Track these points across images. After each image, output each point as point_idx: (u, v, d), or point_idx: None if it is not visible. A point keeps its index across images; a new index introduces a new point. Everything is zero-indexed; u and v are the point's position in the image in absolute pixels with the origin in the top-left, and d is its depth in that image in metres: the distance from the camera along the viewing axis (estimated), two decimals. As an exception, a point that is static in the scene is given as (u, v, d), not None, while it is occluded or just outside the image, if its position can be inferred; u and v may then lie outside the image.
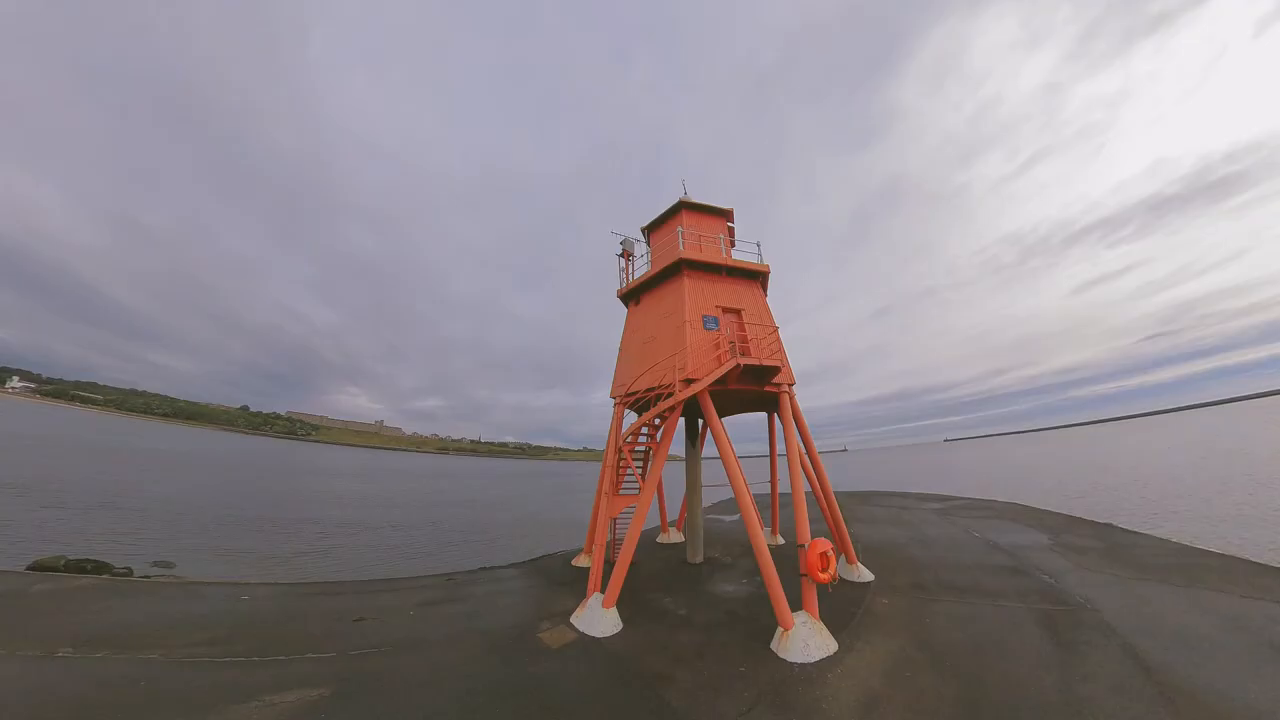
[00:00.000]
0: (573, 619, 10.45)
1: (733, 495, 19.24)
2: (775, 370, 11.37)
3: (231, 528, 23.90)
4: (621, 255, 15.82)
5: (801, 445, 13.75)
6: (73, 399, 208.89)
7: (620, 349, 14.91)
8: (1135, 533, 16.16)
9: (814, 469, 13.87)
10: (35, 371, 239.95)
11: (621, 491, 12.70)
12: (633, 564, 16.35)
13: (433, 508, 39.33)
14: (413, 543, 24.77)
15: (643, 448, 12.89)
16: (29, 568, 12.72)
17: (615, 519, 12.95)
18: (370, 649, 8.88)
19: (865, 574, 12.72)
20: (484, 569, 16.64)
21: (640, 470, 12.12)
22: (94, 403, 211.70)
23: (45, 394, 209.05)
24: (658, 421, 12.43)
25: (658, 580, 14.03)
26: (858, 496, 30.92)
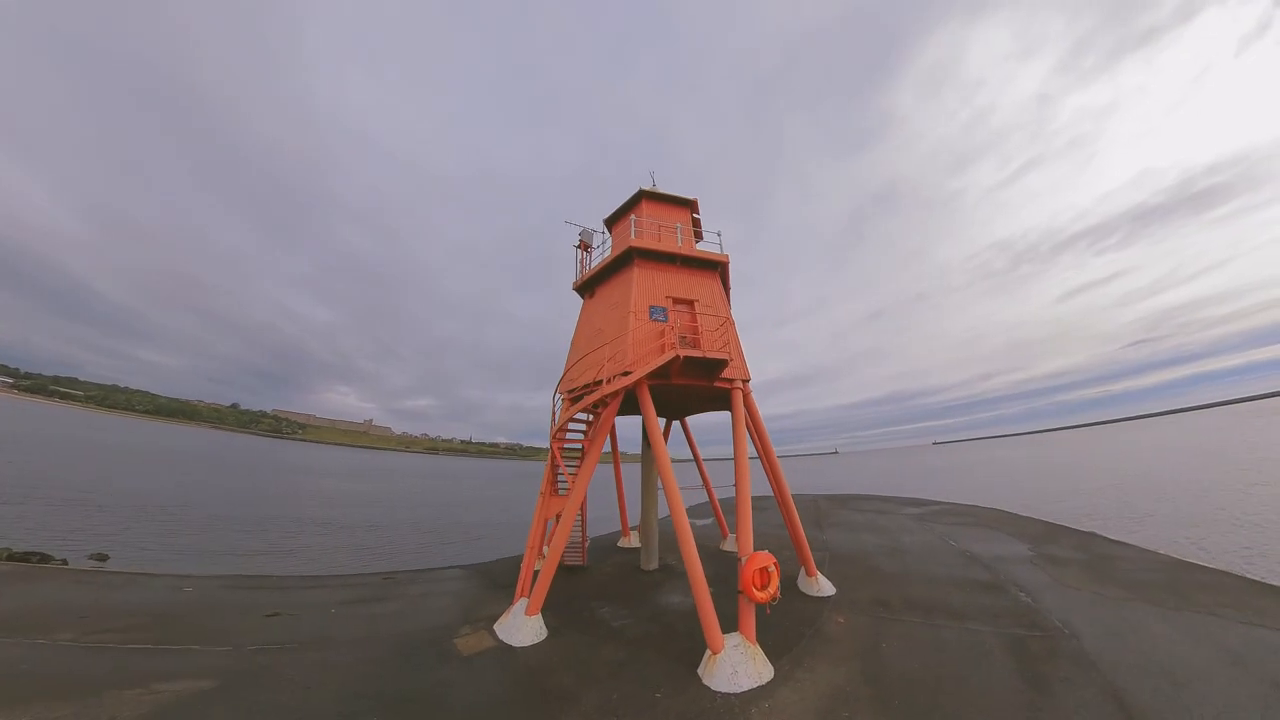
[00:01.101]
0: (496, 625, 9.57)
1: (712, 499, 18.25)
2: (722, 364, 10.06)
3: (194, 524, 22.70)
4: (579, 246, 14.54)
5: (754, 447, 12.46)
6: (51, 395, 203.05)
7: (571, 343, 13.63)
8: (1120, 543, 14.74)
9: (771, 472, 12.59)
10: (14, 366, 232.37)
11: (560, 492, 11.47)
12: (583, 569, 15.22)
13: (417, 508, 37.91)
14: (384, 543, 23.51)
15: (576, 445, 11.60)
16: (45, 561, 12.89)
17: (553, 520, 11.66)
18: (274, 645, 8.47)
19: (826, 587, 11.37)
20: (428, 569, 15.71)
21: (573, 469, 10.83)
22: (74, 399, 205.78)
23: (23, 389, 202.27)
24: (592, 418, 11.18)
25: (603, 587, 12.79)
26: (837, 500, 29.78)
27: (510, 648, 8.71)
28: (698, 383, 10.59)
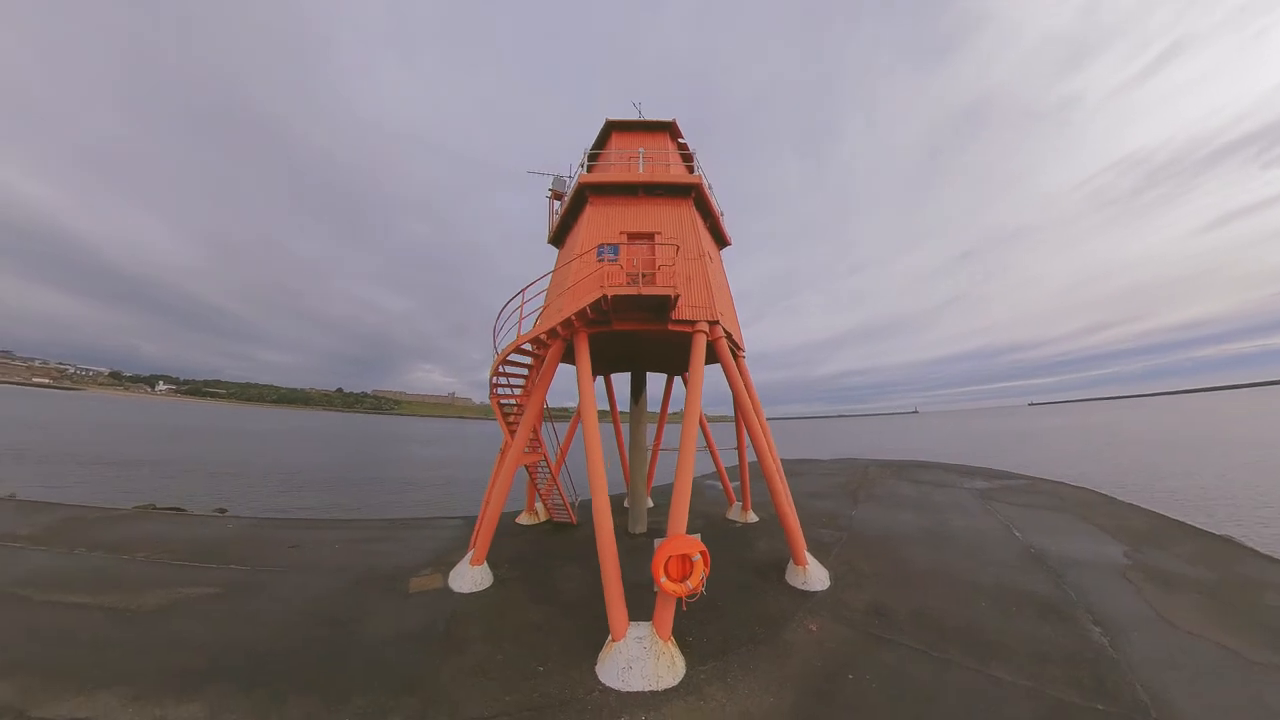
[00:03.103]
0: (452, 571, 9.41)
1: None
2: (664, 300, 7.42)
3: (299, 484, 26.89)
4: (551, 196, 12.15)
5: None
6: (204, 395, 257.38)
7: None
8: (1276, 560, 9.73)
9: (759, 433, 10.00)
10: (175, 375, 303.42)
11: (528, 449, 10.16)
12: (573, 527, 14.06)
13: (486, 466, 39.90)
14: (444, 497, 25.22)
15: (511, 401, 9.88)
16: (134, 508, 15.62)
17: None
18: (276, 568, 9.72)
19: (817, 579, 8.81)
20: (436, 518, 15.75)
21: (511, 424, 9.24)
22: (220, 396, 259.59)
23: (184, 393, 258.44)
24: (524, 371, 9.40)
25: (578, 547, 11.52)
26: (891, 467, 25.26)
27: (451, 592, 8.69)
28: (649, 327, 8.12)
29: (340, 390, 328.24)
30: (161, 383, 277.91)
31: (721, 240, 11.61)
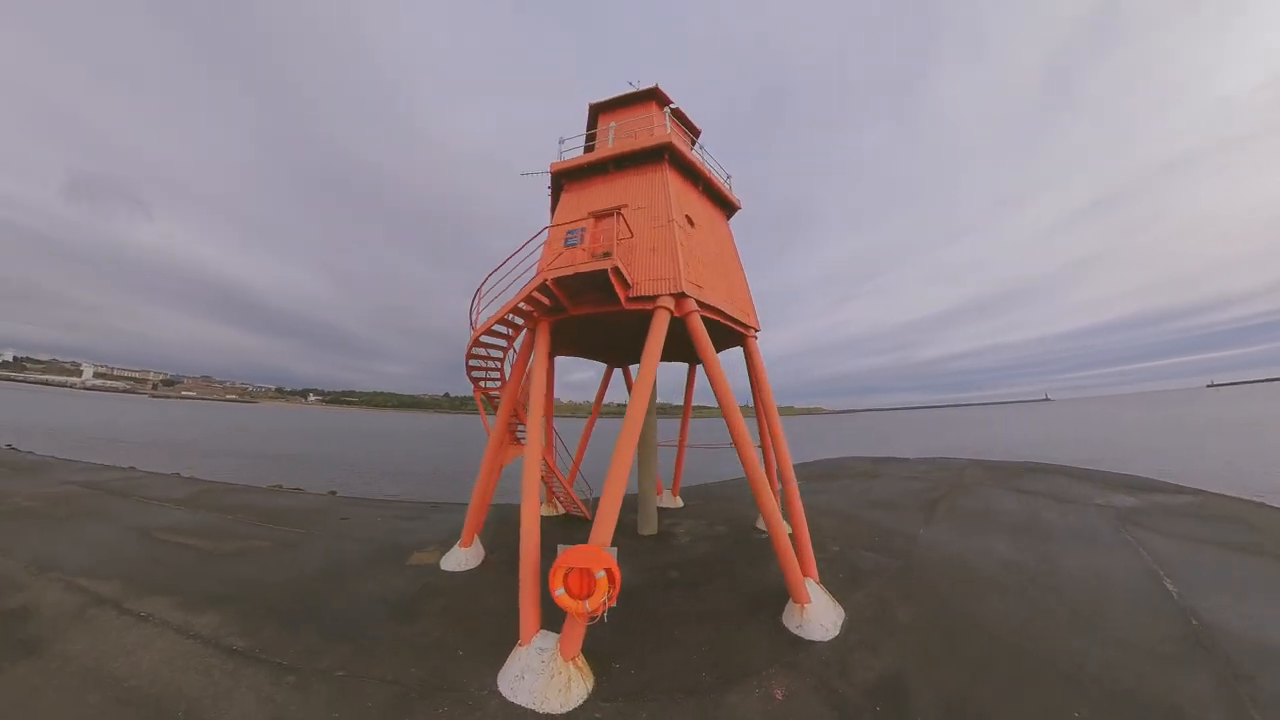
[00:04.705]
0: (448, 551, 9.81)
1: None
2: (600, 276, 6.19)
3: (402, 473, 30.75)
4: (550, 191, 11.62)
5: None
6: (342, 403, 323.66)
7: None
8: None
9: (742, 429, 8.29)
10: (320, 388, 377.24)
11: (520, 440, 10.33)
12: (586, 522, 13.28)
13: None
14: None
15: (494, 394, 9.42)
16: (268, 486, 18.69)
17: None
18: (321, 534, 11.23)
19: (819, 625, 6.37)
20: (467, 504, 16.63)
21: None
22: (354, 404, 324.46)
23: (327, 402, 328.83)
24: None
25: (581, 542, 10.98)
26: (998, 471, 19.86)
27: (438, 569, 9.09)
28: (604, 309, 6.99)
29: (447, 394, 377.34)
30: (311, 394, 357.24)
31: (726, 204, 9.92)
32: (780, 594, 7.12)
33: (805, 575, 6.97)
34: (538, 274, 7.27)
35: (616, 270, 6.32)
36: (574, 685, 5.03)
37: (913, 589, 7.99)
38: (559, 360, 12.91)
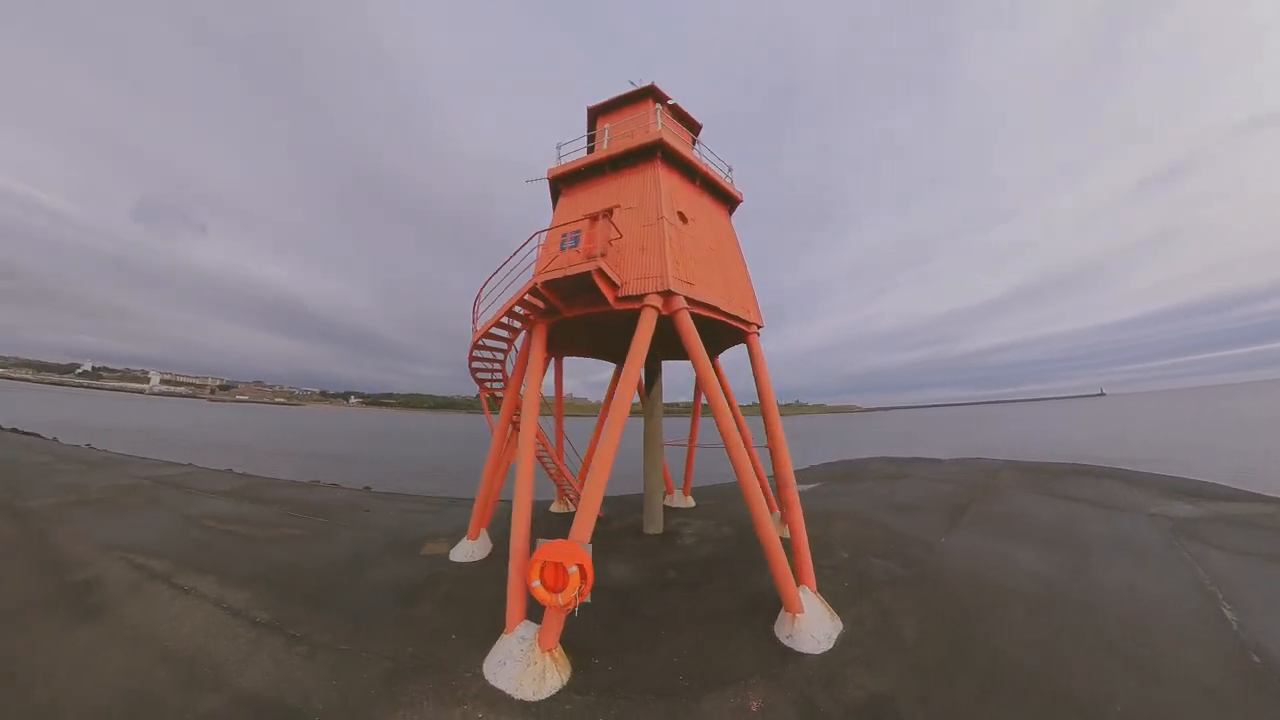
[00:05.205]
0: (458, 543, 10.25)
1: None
2: (586, 278, 6.44)
3: (425, 471, 31.60)
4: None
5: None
6: (381, 405, 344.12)
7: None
8: None
9: (726, 433, 8.26)
10: (361, 390, 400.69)
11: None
12: (601, 521, 13.54)
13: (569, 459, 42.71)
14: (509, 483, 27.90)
15: (498, 395, 9.77)
16: (307, 482, 19.79)
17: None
18: (346, 524, 12.19)
19: (809, 636, 6.13)
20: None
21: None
22: (392, 405, 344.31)
23: (367, 404, 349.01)
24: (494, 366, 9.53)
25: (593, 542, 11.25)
26: (1035, 472, 18.67)
27: (447, 559, 9.61)
28: (594, 309, 7.25)
29: (478, 396, 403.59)
30: (353, 397, 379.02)
31: (726, 198, 10.00)
32: (778, 601, 6.79)
33: (801, 583, 6.81)
34: (534, 277, 7.65)
35: (601, 271, 6.56)
36: (549, 676, 5.23)
37: (924, 602, 7.44)
38: (581, 360, 13.26)
